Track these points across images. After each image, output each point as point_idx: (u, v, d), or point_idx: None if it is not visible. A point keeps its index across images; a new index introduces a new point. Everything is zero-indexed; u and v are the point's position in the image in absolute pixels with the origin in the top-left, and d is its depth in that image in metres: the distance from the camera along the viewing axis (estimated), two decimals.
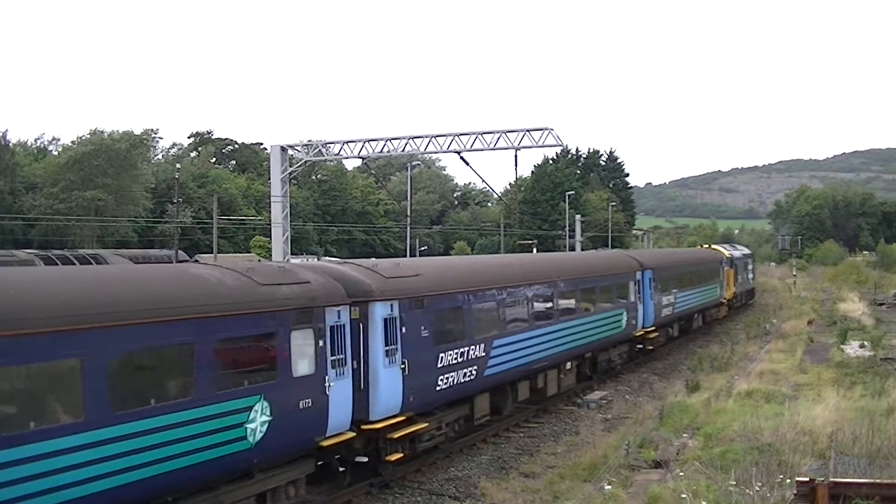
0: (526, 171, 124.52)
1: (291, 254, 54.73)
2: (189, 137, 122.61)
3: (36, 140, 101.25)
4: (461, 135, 48.27)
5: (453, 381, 19.26)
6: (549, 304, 24.98)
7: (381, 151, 51.69)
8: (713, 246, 60.53)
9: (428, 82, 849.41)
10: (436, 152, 52.31)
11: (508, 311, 22.36)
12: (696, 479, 15.32)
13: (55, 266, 25.08)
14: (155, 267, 18.56)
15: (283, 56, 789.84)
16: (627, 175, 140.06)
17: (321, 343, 15.26)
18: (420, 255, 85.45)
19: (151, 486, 12.02)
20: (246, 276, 14.50)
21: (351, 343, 16.16)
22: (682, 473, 15.97)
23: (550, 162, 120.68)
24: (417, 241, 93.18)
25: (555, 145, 51.11)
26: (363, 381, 16.58)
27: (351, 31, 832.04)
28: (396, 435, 17.41)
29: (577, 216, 75.58)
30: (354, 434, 16.31)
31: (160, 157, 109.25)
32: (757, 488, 13.92)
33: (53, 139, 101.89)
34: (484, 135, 47.81)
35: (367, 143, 51.06)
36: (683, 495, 14.01)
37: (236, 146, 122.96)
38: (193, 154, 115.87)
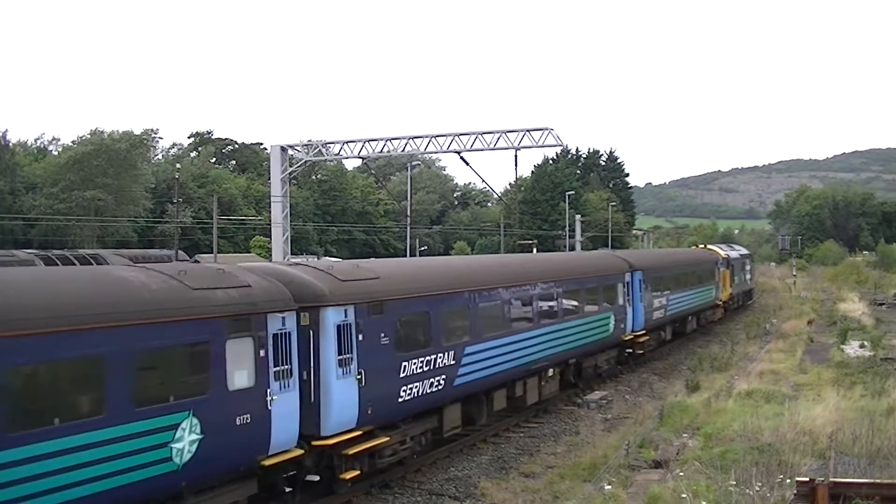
0: (526, 171, 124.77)
1: (291, 254, 54.72)
2: (189, 137, 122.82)
3: (36, 140, 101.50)
4: (461, 135, 48.27)
5: (418, 391, 17.97)
6: (529, 308, 23.66)
7: (381, 151, 51.67)
8: (709, 246, 59.27)
9: (428, 82, 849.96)
10: (436, 152, 52.32)
11: (482, 315, 20.90)
12: (696, 479, 15.32)
13: None
14: (73, 269, 17.48)
15: (283, 56, 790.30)
16: (627, 175, 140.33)
17: (262, 353, 14.03)
18: (420, 255, 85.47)
19: None
20: (176, 279, 13.32)
21: (299, 352, 14.93)
22: (682, 473, 15.96)
23: (550, 162, 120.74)
24: (417, 241, 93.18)
25: (555, 145, 51.12)
26: (313, 394, 15.30)
27: (351, 31, 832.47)
28: (352, 451, 16.08)
29: (577, 216, 75.59)
30: (303, 451, 15.03)
31: (160, 157, 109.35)
32: (757, 488, 13.92)
33: (53, 139, 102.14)
34: (484, 135, 47.80)
35: (367, 143, 51.06)
36: (683, 495, 14.01)
37: (236, 146, 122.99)
38: (193, 154, 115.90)
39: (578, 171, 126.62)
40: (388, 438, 17.20)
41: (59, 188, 77.84)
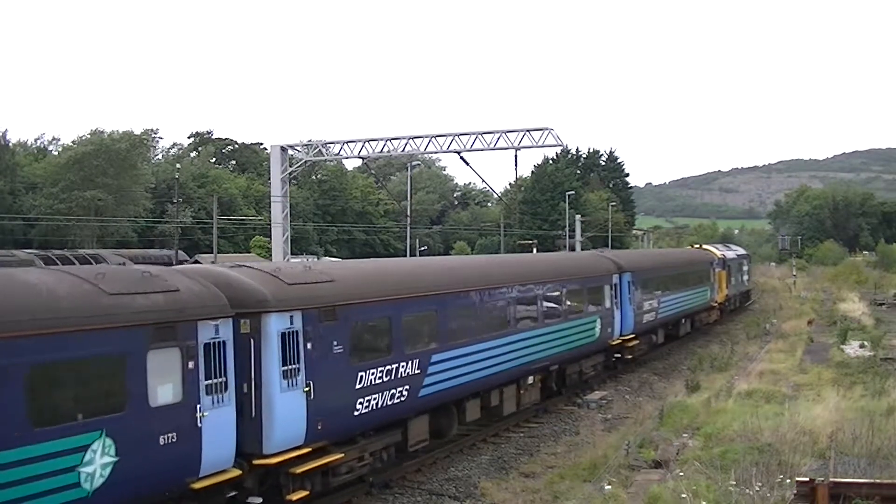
0: (526, 171, 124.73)
1: (291, 254, 54.74)
2: (189, 137, 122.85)
3: (36, 140, 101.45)
4: (461, 135, 48.29)
5: (378, 403, 16.65)
6: (505, 313, 22.36)
7: (381, 151, 51.70)
8: (704, 246, 57.59)
9: (428, 82, 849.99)
10: (436, 152, 52.35)
11: (451, 321, 19.60)
12: (696, 479, 15.32)
13: None
14: None
15: (283, 56, 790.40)
16: (627, 175, 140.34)
17: (191, 364, 12.81)
18: (420, 255, 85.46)
19: None
20: (91, 283, 12.09)
21: (239, 363, 13.76)
22: (682, 473, 15.97)
23: (550, 162, 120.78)
24: (417, 241, 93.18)
25: (555, 145, 51.15)
26: (255, 408, 14.03)
27: (351, 31, 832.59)
28: (300, 469, 14.75)
29: (577, 216, 75.57)
30: (241, 471, 13.69)
31: (160, 157, 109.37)
32: (757, 488, 13.93)
33: (53, 139, 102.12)
34: (484, 135, 47.82)
35: (367, 143, 51.08)
36: (683, 495, 14.02)
37: (236, 146, 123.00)
38: (193, 154, 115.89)
39: (578, 171, 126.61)
40: (342, 455, 15.86)
41: (59, 188, 77.86)
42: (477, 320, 20.82)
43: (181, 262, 46.10)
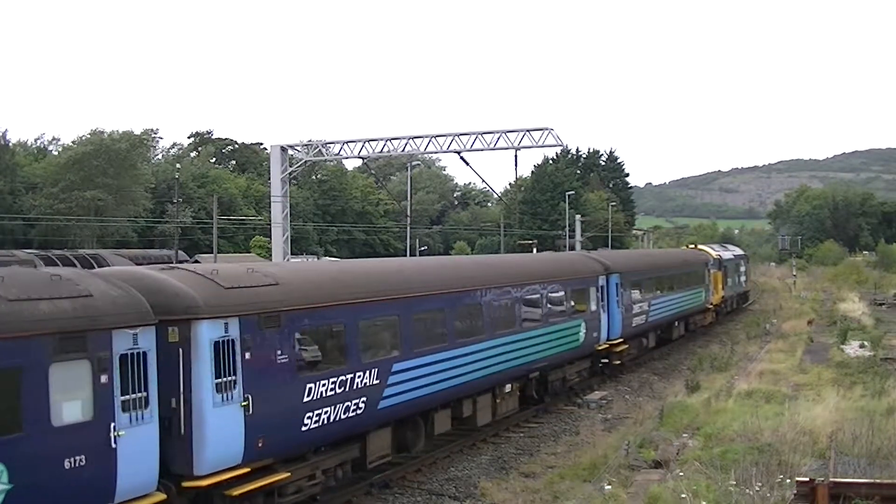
0: (526, 171, 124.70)
1: (291, 254, 54.77)
2: (189, 137, 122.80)
3: (36, 140, 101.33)
4: (461, 135, 48.30)
5: (330, 417, 15.38)
6: (478, 317, 21.05)
7: (381, 151, 51.71)
8: (699, 246, 56.55)
9: (428, 82, 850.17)
10: (436, 152, 52.37)
11: (417, 326, 18.37)
12: (696, 479, 15.33)
13: None
14: None
15: (283, 56, 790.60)
16: (627, 175, 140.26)
17: (104, 378, 11.52)
18: (420, 255, 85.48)
19: None
20: None
21: (166, 375, 12.54)
22: (682, 473, 15.97)
23: (550, 162, 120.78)
24: (417, 241, 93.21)
25: (555, 145, 51.17)
26: (184, 425, 12.78)
27: (351, 31, 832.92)
28: (237, 491, 13.49)
29: (577, 216, 75.60)
30: (166, 496, 12.41)
31: (160, 157, 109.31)
32: (757, 488, 13.93)
33: (53, 139, 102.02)
34: (484, 135, 47.84)
35: (367, 143, 51.09)
36: (683, 495, 14.02)
37: (236, 146, 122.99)
38: (193, 154, 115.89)
39: (578, 171, 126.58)
40: (288, 474, 14.61)
41: (59, 188, 77.84)
42: (445, 326, 19.53)
43: (181, 262, 46.15)
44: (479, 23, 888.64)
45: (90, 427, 11.35)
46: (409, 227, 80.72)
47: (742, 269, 60.00)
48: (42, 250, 40.73)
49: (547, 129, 46.57)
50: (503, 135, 47.35)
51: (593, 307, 28.25)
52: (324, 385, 15.28)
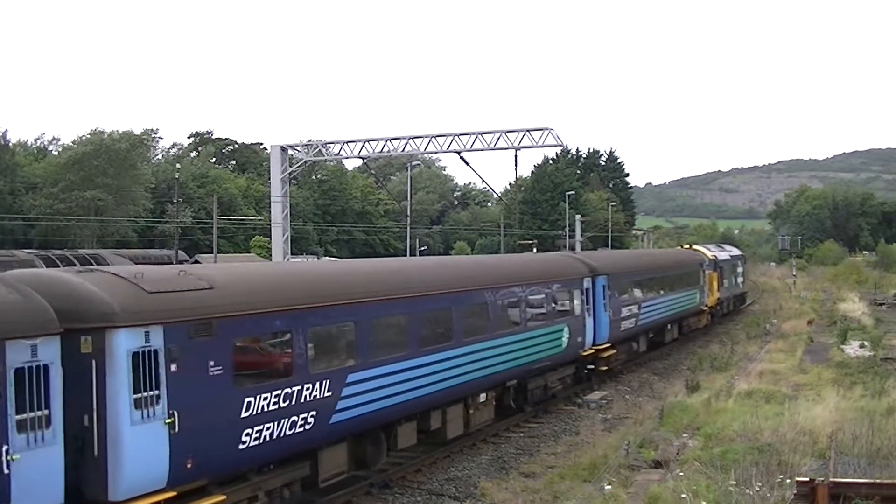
0: (526, 171, 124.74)
1: (291, 254, 54.78)
2: (189, 137, 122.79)
3: (36, 140, 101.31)
4: (461, 135, 48.32)
5: (273, 433, 14.07)
6: (447, 322, 19.73)
7: (381, 151, 51.73)
8: (694, 246, 54.77)
9: (428, 82, 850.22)
10: (436, 152, 52.39)
11: (375, 333, 17.08)
12: (696, 479, 15.33)
13: None
14: None
15: (283, 56, 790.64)
16: (627, 175, 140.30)
17: None
18: (420, 255, 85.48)
19: None
20: None
21: (77, 390, 11.44)
22: (682, 473, 15.98)
23: (550, 162, 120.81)
24: (417, 241, 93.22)
25: (555, 145, 51.18)
26: (97, 446, 11.62)
27: (351, 31, 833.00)
28: None
29: (577, 216, 75.61)
30: None
31: (160, 157, 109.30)
32: (757, 488, 13.94)
33: (53, 139, 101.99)
34: (484, 135, 47.86)
35: (367, 143, 51.11)
36: (683, 495, 14.02)
37: (236, 146, 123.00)
38: (193, 154, 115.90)
39: (578, 171, 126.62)
40: (223, 497, 13.37)
41: (59, 188, 77.84)
42: (409, 332, 18.18)
43: (181, 262, 46.17)
44: (480, 23, 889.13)
45: None
46: (409, 227, 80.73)
47: (739, 269, 58.70)
48: (42, 250, 40.72)
49: (547, 129, 46.59)
50: (503, 135, 47.37)
51: (577, 311, 27.03)
52: (266, 399, 13.95)
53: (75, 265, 31.17)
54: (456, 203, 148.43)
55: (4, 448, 10.39)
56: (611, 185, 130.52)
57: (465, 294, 20.55)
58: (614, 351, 30.26)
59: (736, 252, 61.80)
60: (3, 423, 10.42)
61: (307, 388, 14.88)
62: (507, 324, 22.59)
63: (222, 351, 13.21)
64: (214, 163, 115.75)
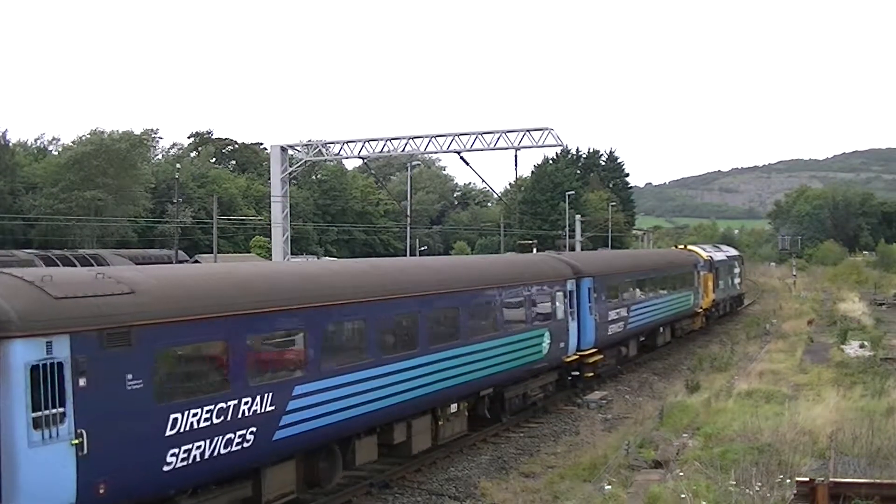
0: (526, 171, 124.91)
1: (291, 254, 54.79)
2: (189, 137, 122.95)
3: (36, 140, 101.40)
4: (461, 135, 48.39)
5: (205, 452, 12.80)
6: (412, 328, 18.42)
7: (381, 151, 51.81)
8: (689, 247, 53.00)
9: (428, 82, 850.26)
10: (436, 152, 52.49)
11: (327, 341, 15.76)
12: (696, 479, 15.33)
13: None
14: None
15: (283, 56, 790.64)
16: (627, 175, 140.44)
17: None
18: (420, 255, 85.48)
19: None
20: None
21: None
22: (682, 473, 15.98)
23: (550, 162, 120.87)
24: (417, 241, 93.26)
25: (555, 145, 51.26)
26: None
27: (351, 31, 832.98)
28: None
29: (577, 216, 75.66)
30: None
31: (160, 157, 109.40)
32: (757, 488, 13.94)
33: (53, 139, 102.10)
34: (484, 135, 47.93)
35: (367, 143, 51.18)
36: (683, 495, 14.02)
37: (236, 146, 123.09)
38: (193, 154, 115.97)
39: (578, 171, 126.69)
40: None
41: (59, 188, 77.90)
42: (367, 339, 16.84)
43: (181, 262, 46.16)
44: (480, 23, 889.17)
45: None
46: (409, 227, 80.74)
47: (736, 270, 57.02)
48: (42, 250, 40.76)
49: (547, 129, 46.67)
50: (503, 135, 47.42)
51: (560, 314, 25.55)
52: (196, 415, 12.63)
53: (75, 265, 31.18)
54: (456, 203, 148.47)
55: None
56: (611, 185, 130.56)
57: (433, 297, 19.08)
58: (601, 356, 28.89)
59: (733, 252, 60.57)
60: None
61: (245, 402, 13.53)
62: (480, 329, 21.05)
63: (143, 362, 11.93)
64: (214, 163, 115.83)
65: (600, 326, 28.49)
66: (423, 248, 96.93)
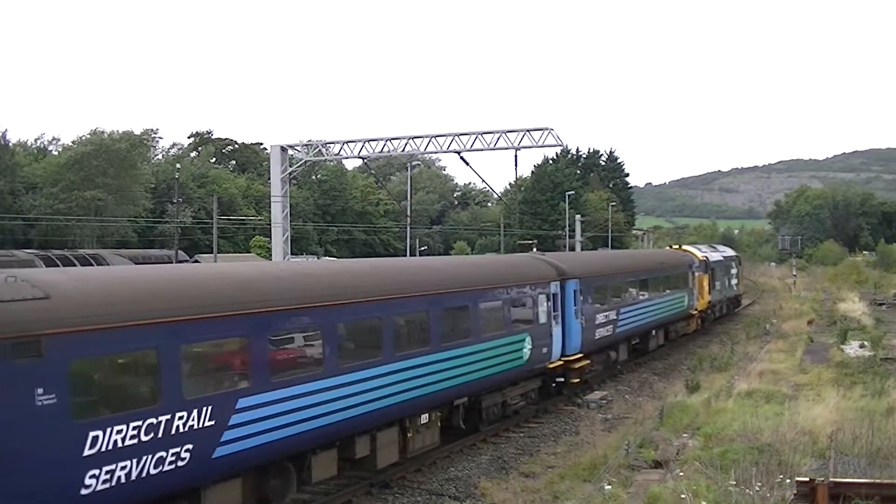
0: (526, 171, 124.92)
1: (291, 254, 54.80)
2: (189, 137, 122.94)
3: (36, 140, 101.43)
4: (461, 135, 48.40)
5: (131, 473, 11.59)
6: (375, 335, 17.14)
7: (381, 151, 51.81)
8: (684, 247, 51.71)
9: (428, 82, 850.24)
10: (436, 152, 52.49)
11: (277, 349, 14.52)
12: (696, 479, 15.34)
13: None
14: None
15: (283, 56, 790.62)
16: (627, 175, 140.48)
17: None
18: (420, 255, 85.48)
19: None
20: None
21: None
22: (682, 473, 15.98)
23: (550, 162, 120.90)
24: (417, 241, 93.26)
25: (555, 145, 51.25)
26: None
27: (351, 31, 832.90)
28: None
29: (577, 216, 75.66)
30: None
31: (160, 157, 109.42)
32: (757, 488, 13.95)
33: (53, 139, 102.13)
34: (484, 135, 47.94)
35: (367, 143, 51.18)
36: (683, 495, 14.03)
37: (236, 146, 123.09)
38: (193, 154, 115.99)
39: (578, 171, 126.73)
40: None
41: (59, 188, 77.92)
42: (324, 347, 15.52)
43: (181, 262, 46.16)
44: (480, 23, 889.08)
45: None
46: (409, 227, 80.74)
47: (733, 271, 55.56)
48: (42, 250, 40.72)
49: (547, 129, 46.67)
50: (503, 135, 47.43)
51: (543, 318, 24.26)
52: (120, 432, 11.43)
53: (75, 265, 31.17)
54: (456, 203, 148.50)
55: None
56: (611, 185, 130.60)
57: (398, 302, 17.67)
58: (587, 361, 27.56)
59: (729, 252, 59.37)
60: None
61: (180, 417, 12.34)
62: (452, 334, 19.68)
63: (56, 375, 10.76)
64: (214, 163, 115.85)
65: (587, 330, 27.24)
66: (423, 248, 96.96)
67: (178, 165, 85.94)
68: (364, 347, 16.93)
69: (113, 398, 11.69)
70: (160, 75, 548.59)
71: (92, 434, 11.12)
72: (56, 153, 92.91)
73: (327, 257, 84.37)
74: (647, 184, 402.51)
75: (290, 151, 54.48)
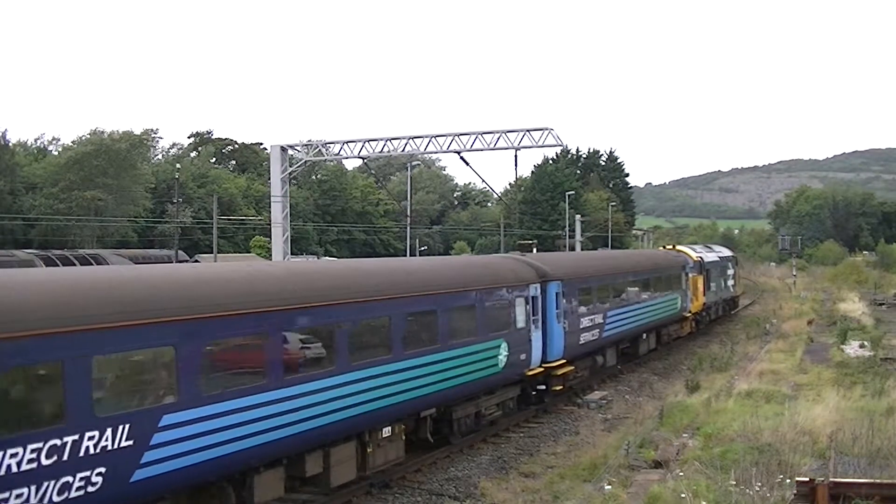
0: (526, 171, 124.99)
1: (291, 254, 54.79)
2: (189, 137, 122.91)
3: (36, 140, 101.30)
4: (461, 135, 48.38)
5: (30, 501, 10.42)
6: (329, 342, 15.72)
7: (381, 151, 51.79)
8: (678, 247, 50.25)
9: (428, 82, 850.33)
10: (436, 152, 52.46)
11: (211, 360, 13.12)
12: (696, 479, 15.34)
13: None
14: None
15: (283, 56, 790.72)
16: (627, 175, 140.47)
17: None
18: (420, 255, 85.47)
19: None
20: None
21: None
22: (682, 473, 15.98)
23: (550, 162, 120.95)
24: (417, 241, 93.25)
25: (555, 145, 51.19)
26: None
27: (351, 31, 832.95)
28: None
29: (577, 216, 75.63)
30: None
31: (160, 157, 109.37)
32: (757, 488, 13.94)
33: (53, 139, 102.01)
34: (484, 135, 47.92)
35: (367, 143, 51.16)
36: (683, 495, 14.03)
37: (236, 146, 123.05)
38: (193, 154, 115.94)
39: (578, 171, 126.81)
40: None
41: (59, 188, 77.89)
42: (267, 357, 14.13)
43: (181, 262, 46.17)
44: (480, 23, 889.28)
45: None
46: (409, 227, 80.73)
47: (729, 272, 54.02)
48: (42, 250, 40.75)
49: (547, 129, 46.65)
50: (503, 135, 47.42)
51: (521, 323, 22.83)
52: (15, 455, 10.20)
53: (75, 265, 31.19)
54: (456, 203, 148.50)
55: None
56: (611, 185, 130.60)
57: (355, 306, 16.34)
58: (571, 368, 26.25)
59: (726, 253, 57.36)
60: None
61: (90, 438, 11.05)
62: (417, 341, 18.31)
63: None
64: (214, 163, 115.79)
65: (570, 335, 25.78)
66: (423, 249, 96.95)
67: (178, 165, 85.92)
68: (316, 357, 15.51)
69: (9, 418, 10.42)
70: (160, 75, 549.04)
71: None
72: (56, 153, 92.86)
73: (327, 257, 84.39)
74: (647, 184, 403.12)
75: (290, 151, 54.47)
